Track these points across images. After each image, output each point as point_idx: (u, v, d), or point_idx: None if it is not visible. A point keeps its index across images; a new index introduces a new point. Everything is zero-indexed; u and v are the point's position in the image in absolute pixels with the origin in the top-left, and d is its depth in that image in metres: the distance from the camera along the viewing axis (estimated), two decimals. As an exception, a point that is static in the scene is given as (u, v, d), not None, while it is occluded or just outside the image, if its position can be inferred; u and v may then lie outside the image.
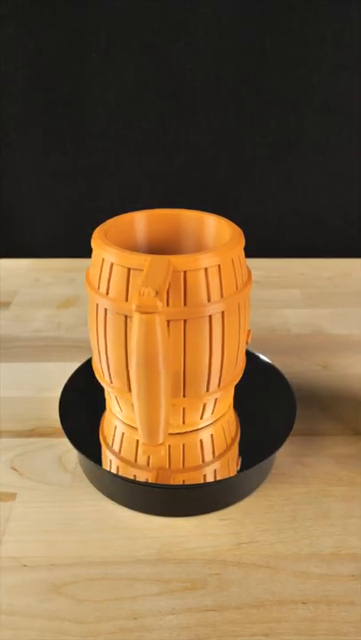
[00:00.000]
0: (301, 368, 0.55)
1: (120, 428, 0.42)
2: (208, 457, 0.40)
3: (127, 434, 0.41)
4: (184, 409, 0.38)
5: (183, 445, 0.40)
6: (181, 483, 0.38)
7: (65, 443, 0.45)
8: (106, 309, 0.36)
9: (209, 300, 0.35)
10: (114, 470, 0.39)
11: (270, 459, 0.41)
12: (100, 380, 0.40)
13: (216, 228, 0.41)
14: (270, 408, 0.45)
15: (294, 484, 0.42)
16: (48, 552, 0.37)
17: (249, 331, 0.40)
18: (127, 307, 0.34)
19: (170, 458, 0.40)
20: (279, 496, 0.41)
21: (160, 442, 0.35)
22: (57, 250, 0.78)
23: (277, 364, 0.50)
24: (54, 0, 0.65)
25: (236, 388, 0.42)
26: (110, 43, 0.67)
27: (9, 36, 0.66)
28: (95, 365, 0.41)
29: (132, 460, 0.39)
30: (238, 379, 0.41)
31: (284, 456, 0.44)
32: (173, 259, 0.34)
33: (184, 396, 0.37)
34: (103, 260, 0.36)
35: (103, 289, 0.36)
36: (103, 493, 0.41)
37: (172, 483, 0.38)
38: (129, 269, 0.34)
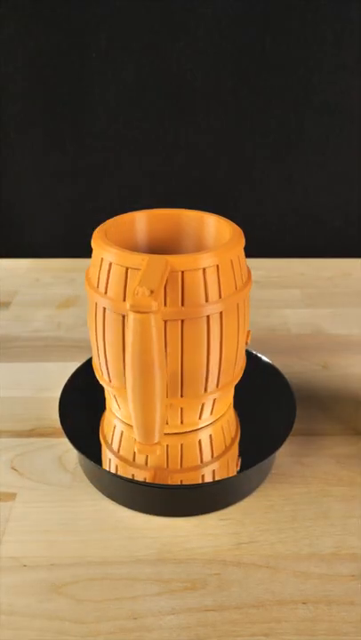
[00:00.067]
0: (301, 368, 0.55)
1: (119, 427, 0.42)
2: (207, 457, 0.40)
3: (126, 433, 0.41)
4: (182, 409, 0.38)
5: (181, 445, 0.40)
6: (179, 482, 0.38)
7: (65, 443, 0.45)
8: (104, 308, 0.36)
9: (207, 301, 0.35)
10: (114, 470, 0.39)
11: (270, 459, 0.41)
12: (99, 380, 0.41)
13: (216, 228, 0.41)
14: (270, 408, 0.45)
15: (294, 484, 0.42)
16: (48, 552, 0.37)
17: (248, 331, 0.40)
18: (125, 306, 0.34)
19: (168, 458, 0.40)
20: (279, 496, 0.41)
21: (155, 441, 0.35)
22: (57, 250, 0.78)
23: (277, 364, 0.50)
24: (54, 0, 0.65)
25: (236, 387, 0.42)
26: (110, 43, 0.67)
27: (9, 35, 0.66)
28: (95, 365, 0.41)
29: (131, 460, 0.40)
30: (237, 379, 0.41)
31: (284, 456, 0.44)
32: (171, 258, 0.34)
33: (182, 396, 0.37)
34: (102, 259, 0.36)
35: (102, 288, 0.36)
36: (103, 493, 0.41)
37: (169, 482, 0.38)
38: (127, 269, 0.34)
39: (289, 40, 0.67)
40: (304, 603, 0.34)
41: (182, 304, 0.34)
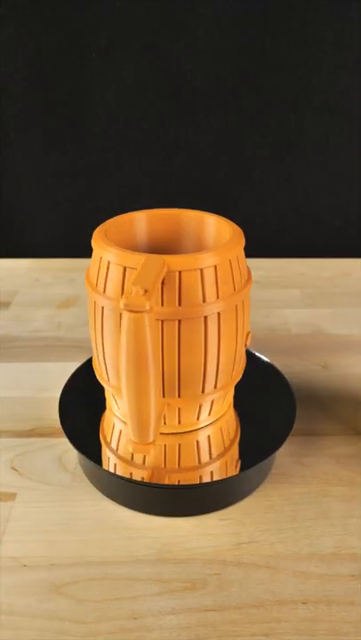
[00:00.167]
0: (301, 368, 0.55)
1: (119, 427, 0.42)
2: (207, 457, 0.40)
3: (125, 432, 0.41)
4: (179, 409, 0.38)
5: (179, 445, 0.40)
6: (177, 482, 0.38)
7: (65, 443, 0.45)
8: (103, 308, 0.36)
9: (204, 301, 0.35)
10: (114, 470, 0.39)
11: (270, 459, 0.41)
12: (99, 379, 0.41)
13: (216, 228, 0.41)
14: (270, 408, 0.45)
15: (294, 484, 0.42)
16: (48, 552, 0.37)
17: (248, 333, 0.40)
18: None
19: (166, 457, 0.40)
20: (279, 496, 0.41)
21: (150, 441, 0.35)
22: (57, 250, 0.78)
23: (277, 364, 0.50)
24: (54, 0, 0.65)
25: (236, 387, 0.42)
26: (110, 43, 0.67)
27: (9, 35, 0.66)
28: (95, 364, 0.41)
29: (129, 459, 0.40)
30: (236, 381, 0.41)
31: (284, 456, 0.44)
32: (168, 258, 0.34)
33: (179, 396, 0.37)
34: (101, 258, 0.36)
35: (101, 287, 0.36)
36: (103, 493, 0.41)
37: (167, 482, 0.38)
38: (125, 268, 0.34)
39: (289, 40, 0.67)
40: (304, 603, 0.34)
41: (179, 304, 0.34)
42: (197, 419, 0.40)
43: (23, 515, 0.39)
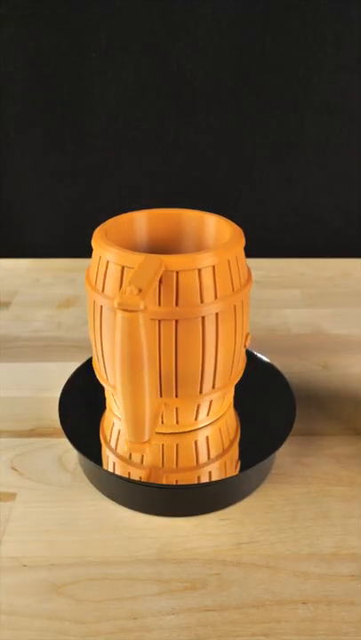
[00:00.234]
0: (301, 368, 0.55)
1: (118, 426, 0.42)
2: (206, 457, 0.40)
3: (123, 430, 0.41)
4: (177, 409, 0.38)
5: (177, 445, 0.40)
6: (175, 482, 0.38)
7: (65, 443, 0.45)
8: (101, 306, 0.36)
9: (202, 302, 0.35)
10: (114, 470, 0.39)
11: (270, 459, 0.41)
12: (98, 378, 0.41)
13: (216, 228, 0.41)
14: (270, 408, 0.45)
15: (294, 484, 0.42)
16: (48, 552, 0.37)
17: (248, 334, 0.40)
18: None
19: (164, 457, 0.40)
20: (279, 496, 0.41)
21: (145, 440, 0.34)
22: (57, 250, 0.78)
23: (277, 364, 0.50)
24: (54, 0, 0.65)
25: (236, 387, 0.42)
26: (110, 43, 0.67)
27: (9, 35, 0.66)
28: (95, 363, 0.41)
29: (127, 457, 0.40)
30: (235, 381, 0.41)
31: (284, 456, 0.44)
32: (166, 258, 0.34)
33: (176, 396, 0.37)
34: (100, 257, 0.36)
35: (100, 286, 0.36)
36: (103, 493, 0.41)
37: (164, 482, 0.38)
38: (123, 267, 0.34)
39: (289, 40, 0.67)
40: (304, 603, 0.34)
41: (176, 304, 0.34)
42: (196, 419, 0.40)
43: (23, 515, 0.39)
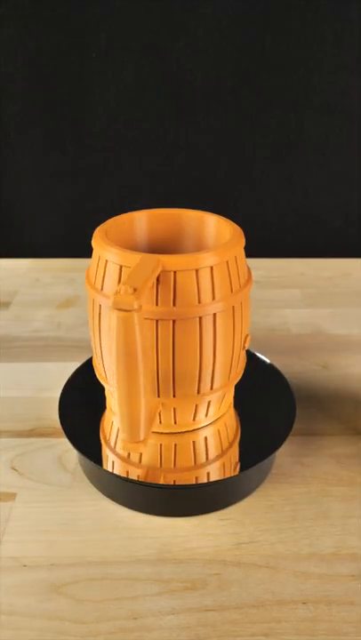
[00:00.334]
0: (301, 368, 0.55)
1: (116, 424, 0.42)
2: (206, 457, 0.40)
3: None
4: (175, 409, 0.38)
5: (175, 445, 0.40)
6: (173, 482, 0.38)
7: (65, 443, 0.45)
8: (100, 305, 0.36)
9: (200, 302, 0.35)
10: (114, 470, 0.39)
11: (270, 459, 0.41)
12: (99, 378, 0.41)
13: (216, 228, 0.41)
14: (270, 408, 0.45)
15: (294, 484, 0.42)
16: (48, 552, 0.37)
17: (247, 335, 0.40)
18: None
19: (162, 457, 0.40)
20: (279, 496, 0.41)
21: (141, 439, 0.34)
22: (57, 250, 0.78)
23: (277, 364, 0.50)
24: (54, 0, 0.65)
25: (236, 387, 0.42)
26: (110, 43, 0.67)
27: (9, 35, 0.66)
28: (94, 362, 0.41)
29: (126, 456, 0.40)
30: (235, 382, 0.41)
31: (284, 456, 0.44)
32: (164, 258, 0.33)
33: (174, 396, 0.37)
34: (99, 257, 0.36)
35: (99, 285, 0.36)
36: (103, 493, 0.41)
37: (162, 482, 0.38)
38: (121, 267, 0.34)
39: (289, 40, 0.67)
40: (304, 603, 0.34)
41: (174, 304, 0.34)
42: (194, 419, 0.40)
43: (23, 515, 0.39)
